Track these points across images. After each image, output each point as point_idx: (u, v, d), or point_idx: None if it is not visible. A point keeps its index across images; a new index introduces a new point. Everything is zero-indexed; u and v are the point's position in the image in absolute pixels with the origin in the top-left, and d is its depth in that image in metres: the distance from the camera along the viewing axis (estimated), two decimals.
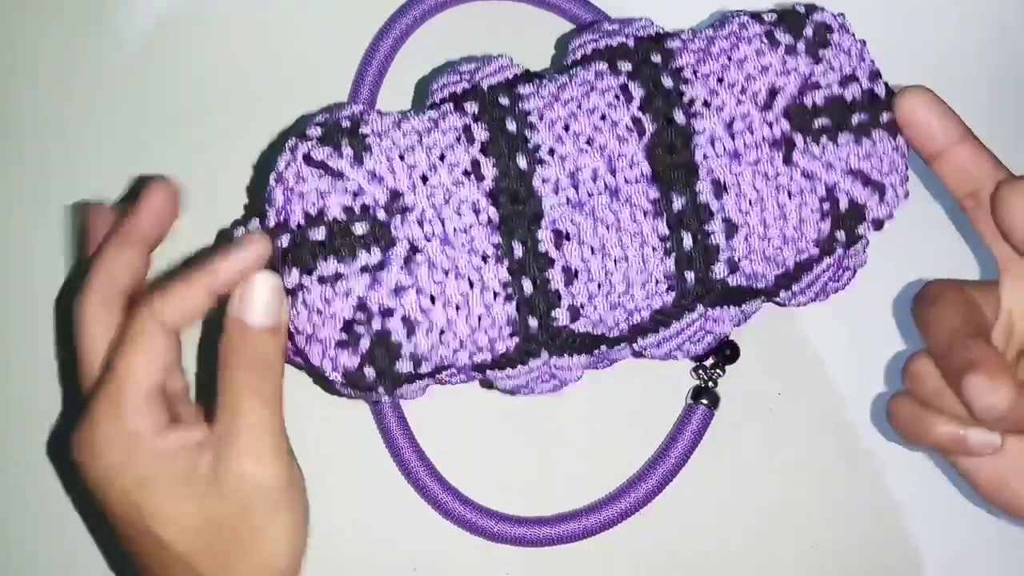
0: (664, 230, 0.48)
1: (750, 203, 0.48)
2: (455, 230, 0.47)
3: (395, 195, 0.47)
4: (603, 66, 0.49)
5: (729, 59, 0.49)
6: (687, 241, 0.48)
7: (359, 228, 0.46)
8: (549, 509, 0.59)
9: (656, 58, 0.49)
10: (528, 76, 0.50)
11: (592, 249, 0.47)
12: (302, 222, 0.46)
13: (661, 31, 0.51)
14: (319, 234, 0.46)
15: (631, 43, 0.50)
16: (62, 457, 0.58)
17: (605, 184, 0.48)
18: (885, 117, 0.49)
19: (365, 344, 0.46)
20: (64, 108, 0.61)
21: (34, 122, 0.61)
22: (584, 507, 0.59)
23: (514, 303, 0.47)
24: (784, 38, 0.49)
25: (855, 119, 0.48)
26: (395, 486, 0.59)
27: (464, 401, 0.58)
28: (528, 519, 0.58)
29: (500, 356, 0.48)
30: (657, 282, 0.48)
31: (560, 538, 0.58)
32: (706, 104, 0.48)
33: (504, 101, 0.48)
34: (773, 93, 0.48)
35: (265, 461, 0.44)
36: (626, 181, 0.48)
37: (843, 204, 0.48)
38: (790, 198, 0.48)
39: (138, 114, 0.61)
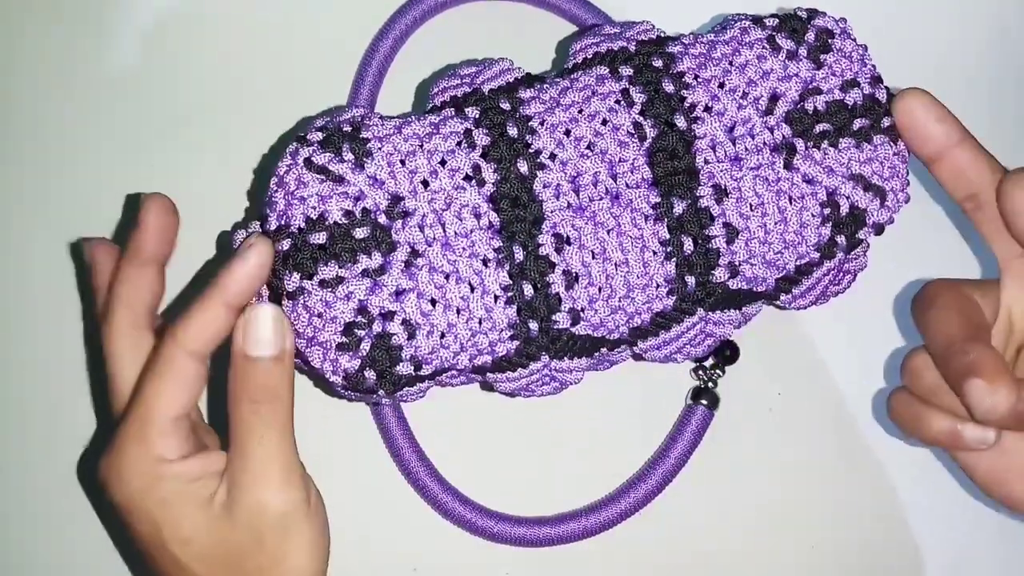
0: (665, 234, 0.48)
1: (751, 208, 0.48)
2: (456, 234, 0.47)
3: (396, 199, 0.47)
4: (604, 70, 0.49)
5: (731, 64, 0.49)
6: (688, 245, 0.48)
7: (360, 232, 0.46)
8: (549, 509, 0.59)
9: (657, 62, 0.49)
10: (529, 80, 0.50)
11: (593, 253, 0.47)
12: (303, 226, 0.46)
13: (662, 35, 0.51)
14: (320, 238, 0.46)
15: (632, 47, 0.50)
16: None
17: (606, 189, 0.48)
18: (886, 122, 0.49)
19: (366, 347, 0.47)
20: (64, 108, 0.61)
21: (34, 122, 0.61)
22: (584, 507, 0.59)
23: (515, 307, 0.47)
24: (786, 43, 0.49)
25: (856, 124, 0.48)
26: (395, 486, 0.59)
27: (464, 402, 0.58)
28: (528, 519, 0.58)
29: (500, 359, 0.48)
30: (657, 286, 0.48)
31: (560, 538, 0.58)
32: (707, 109, 0.48)
33: (505, 105, 0.48)
34: (774, 98, 0.48)
35: (274, 491, 0.45)
36: (627, 186, 0.48)
37: (844, 209, 0.48)
38: (791, 203, 0.48)
39: (138, 114, 0.61)
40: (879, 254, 0.52)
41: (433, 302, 0.47)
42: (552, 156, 0.48)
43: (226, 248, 0.56)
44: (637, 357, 0.51)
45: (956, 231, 0.62)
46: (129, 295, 0.47)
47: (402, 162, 0.47)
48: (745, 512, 0.60)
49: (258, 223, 0.48)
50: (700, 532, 0.60)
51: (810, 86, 0.49)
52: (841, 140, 0.48)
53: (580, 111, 0.48)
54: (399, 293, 0.46)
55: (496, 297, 0.47)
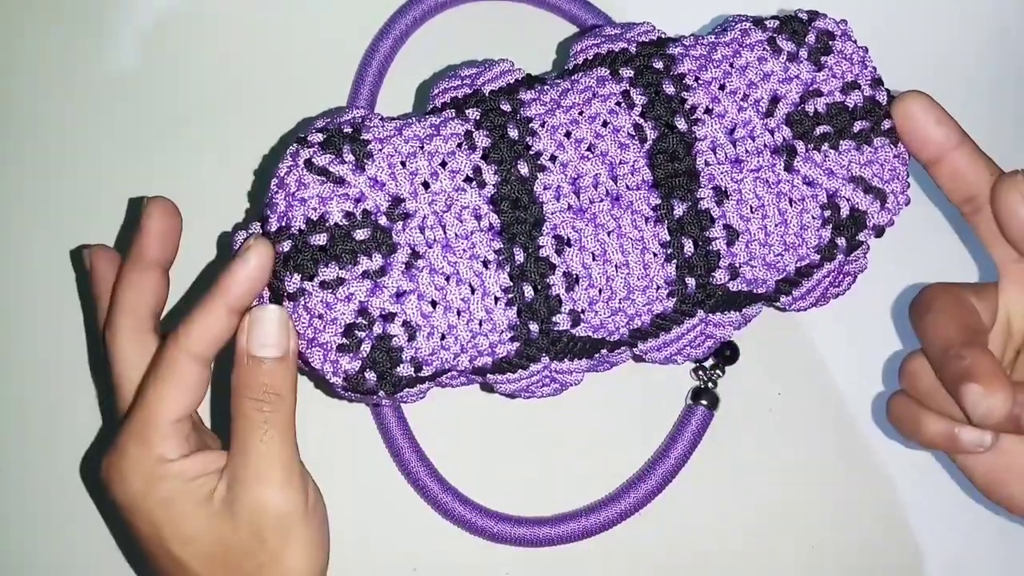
0: (665, 236, 0.48)
1: (751, 210, 0.48)
2: (456, 236, 0.47)
3: (397, 201, 0.47)
4: (605, 72, 0.49)
5: (731, 66, 0.49)
6: (688, 247, 0.48)
7: (360, 234, 0.46)
8: (549, 509, 0.59)
9: (658, 64, 0.49)
10: (530, 81, 0.50)
11: (593, 255, 0.47)
12: (303, 227, 0.46)
13: (663, 36, 0.51)
14: (320, 239, 0.46)
15: (633, 48, 0.50)
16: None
17: (607, 190, 0.48)
18: (886, 124, 0.49)
19: (366, 348, 0.47)
20: (64, 108, 0.61)
21: (34, 122, 0.61)
22: (584, 507, 0.59)
23: (515, 308, 0.47)
24: (786, 45, 0.49)
25: (857, 126, 0.48)
26: (395, 486, 0.59)
27: (464, 402, 0.58)
28: (528, 519, 0.58)
29: (501, 360, 0.48)
30: (658, 288, 0.48)
31: (560, 538, 0.58)
32: (708, 111, 0.48)
33: (505, 107, 0.48)
34: (775, 100, 0.48)
35: (275, 490, 0.46)
36: (627, 188, 0.48)
37: (844, 211, 0.48)
38: (791, 205, 0.48)
39: (138, 114, 0.61)
40: (879, 256, 0.52)
41: (434, 304, 0.47)
42: (553, 158, 0.48)
43: (227, 249, 0.57)
44: (637, 358, 0.51)
45: (954, 234, 0.62)
46: (133, 299, 0.48)
47: (403, 163, 0.47)
48: (745, 512, 0.60)
49: (259, 224, 0.48)
50: (700, 532, 0.60)
51: (811, 88, 0.49)
52: (842, 142, 0.48)
53: (581, 113, 0.48)
54: (400, 294, 0.46)
55: (496, 299, 0.47)
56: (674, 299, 0.48)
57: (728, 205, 0.48)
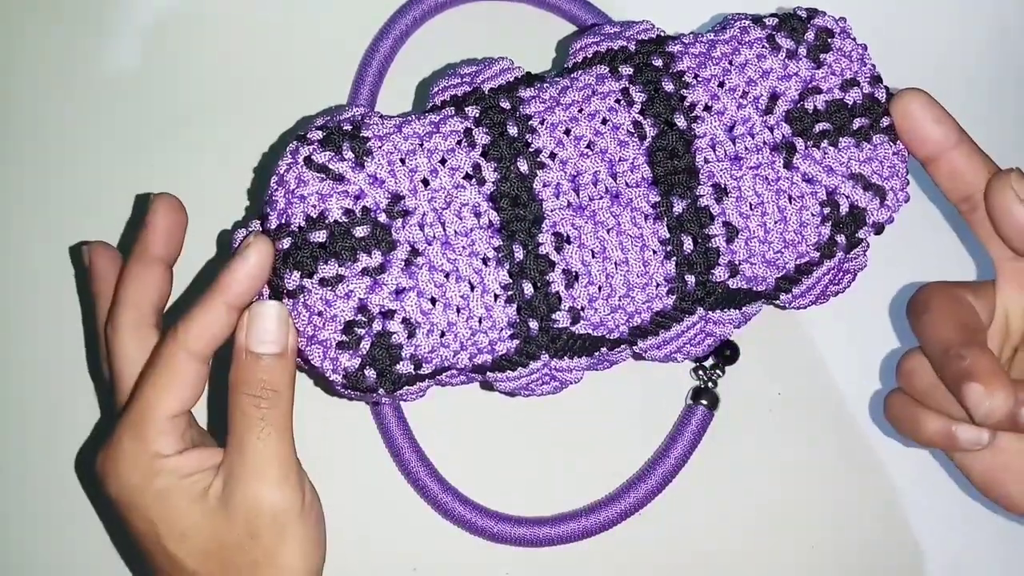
0: (665, 234, 0.48)
1: (751, 207, 0.48)
2: (456, 233, 0.47)
3: (396, 198, 0.47)
4: (604, 70, 0.49)
5: (730, 63, 0.49)
6: (687, 245, 0.48)
7: (360, 231, 0.46)
8: (549, 509, 0.59)
9: (657, 62, 0.49)
10: (529, 79, 0.50)
11: (593, 252, 0.47)
12: (303, 225, 0.46)
13: (662, 34, 0.51)
14: (320, 236, 0.46)
15: (632, 46, 0.50)
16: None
17: (606, 188, 0.48)
18: (886, 121, 0.49)
19: (366, 346, 0.47)
20: (64, 108, 0.61)
21: (34, 122, 0.61)
22: (584, 507, 0.59)
23: (515, 305, 0.47)
24: (785, 42, 0.49)
25: (856, 123, 0.48)
26: (395, 486, 0.59)
27: (464, 401, 0.58)
28: (528, 519, 0.58)
29: (500, 358, 0.48)
30: (657, 285, 0.48)
31: (560, 538, 0.58)
32: (707, 108, 0.48)
33: (505, 104, 0.48)
34: (774, 97, 0.48)
35: (271, 487, 0.45)
36: (627, 185, 0.48)
37: (844, 208, 0.48)
38: (791, 202, 0.48)
39: (138, 114, 0.61)
40: (879, 254, 0.52)
41: (433, 301, 0.47)
42: (552, 155, 0.48)
43: (227, 247, 0.57)
44: (637, 356, 0.51)
45: (953, 232, 0.62)
46: (136, 294, 0.48)
47: (402, 161, 0.47)
48: (745, 512, 0.60)
49: (258, 222, 0.48)
50: (700, 532, 0.60)
51: (810, 85, 0.49)
52: (841, 139, 0.48)
53: (580, 110, 0.48)
54: (399, 292, 0.46)
55: (496, 296, 0.47)
56: (674, 296, 0.48)
57: (727, 202, 0.48)
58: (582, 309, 0.48)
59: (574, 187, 0.48)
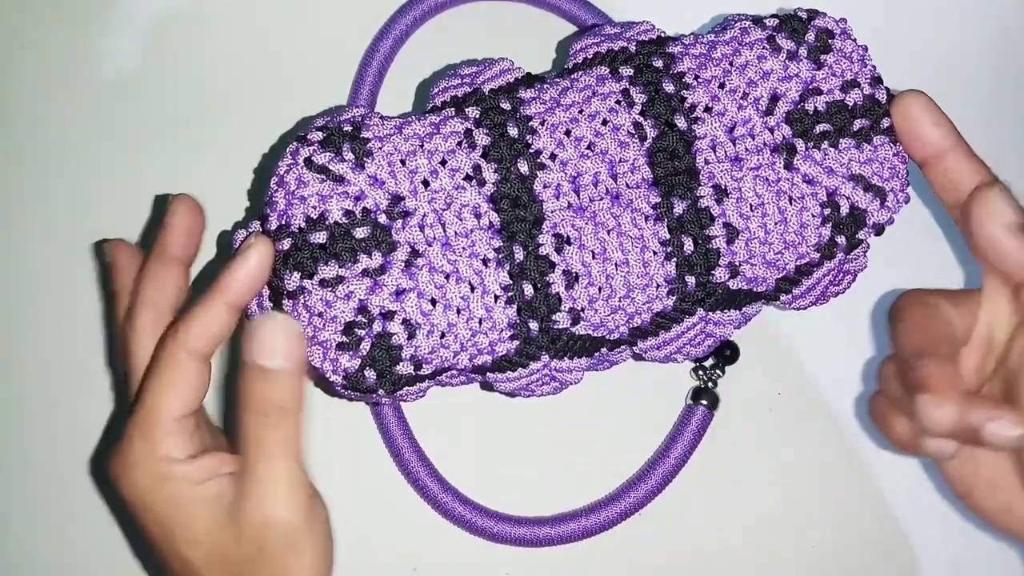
0: (665, 234, 0.48)
1: (751, 208, 0.48)
2: (456, 234, 0.47)
3: (396, 199, 0.47)
4: (604, 70, 0.49)
5: (731, 64, 0.49)
6: (688, 245, 0.48)
7: (360, 232, 0.46)
8: (549, 509, 0.59)
9: (658, 63, 0.49)
10: (529, 80, 0.50)
11: (593, 253, 0.47)
12: (303, 226, 0.46)
13: (663, 35, 0.51)
14: (320, 237, 0.46)
15: (632, 47, 0.50)
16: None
17: (606, 189, 0.48)
18: (886, 122, 0.49)
19: (366, 346, 0.46)
20: (64, 108, 0.61)
21: (34, 122, 0.61)
22: (584, 507, 0.59)
23: (515, 306, 0.47)
24: (786, 43, 0.49)
25: (856, 124, 0.48)
26: (395, 486, 0.59)
27: (464, 402, 0.58)
28: (528, 519, 0.58)
29: (500, 359, 0.48)
30: (658, 286, 0.48)
31: (560, 538, 0.58)
32: (707, 109, 0.48)
33: (505, 105, 0.48)
34: (775, 98, 0.48)
35: (280, 506, 0.45)
36: (627, 186, 0.48)
37: (844, 209, 0.48)
38: (791, 203, 0.48)
39: (138, 114, 0.61)
40: (878, 255, 0.52)
41: (433, 302, 0.47)
42: (552, 156, 0.48)
43: (227, 247, 0.56)
44: (637, 357, 0.51)
45: (954, 236, 0.62)
46: (155, 294, 0.48)
47: (402, 162, 0.47)
48: (745, 512, 0.60)
49: (258, 223, 0.48)
50: (700, 532, 0.60)
51: (810, 86, 0.49)
52: (841, 140, 0.48)
53: (580, 111, 0.48)
54: (399, 293, 0.46)
55: (496, 297, 0.47)
56: (674, 297, 0.48)
57: (728, 203, 0.48)
58: (582, 310, 0.48)
59: (574, 188, 0.48)
